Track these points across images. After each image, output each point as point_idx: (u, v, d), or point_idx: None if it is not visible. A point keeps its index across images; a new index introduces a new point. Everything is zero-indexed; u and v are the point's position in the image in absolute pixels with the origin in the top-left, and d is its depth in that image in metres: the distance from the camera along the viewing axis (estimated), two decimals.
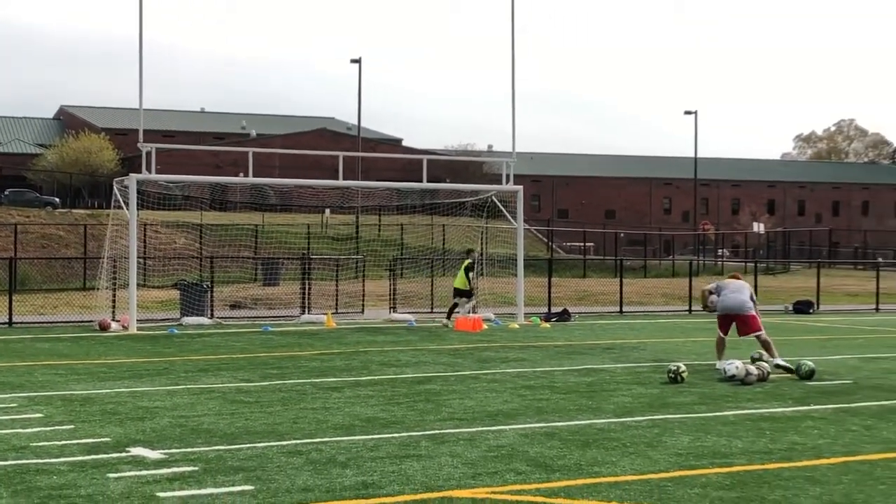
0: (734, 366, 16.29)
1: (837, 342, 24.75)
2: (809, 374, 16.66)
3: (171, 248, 48.35)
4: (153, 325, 27.92)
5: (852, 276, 60.69)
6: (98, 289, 29.78)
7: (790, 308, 37.92)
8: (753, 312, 18.12)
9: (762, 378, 16.18)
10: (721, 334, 18.44)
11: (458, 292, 29.19)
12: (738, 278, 19.10)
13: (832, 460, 10.26)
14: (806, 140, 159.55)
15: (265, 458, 10.03)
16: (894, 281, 46.79)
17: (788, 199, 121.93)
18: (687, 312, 36.08)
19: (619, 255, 62.71)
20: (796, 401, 14.28)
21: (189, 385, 15.57)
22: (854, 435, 11.69)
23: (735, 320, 18.14)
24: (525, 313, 31.17)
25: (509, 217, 32.88)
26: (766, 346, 18.05)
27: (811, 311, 37.55)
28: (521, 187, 32.34)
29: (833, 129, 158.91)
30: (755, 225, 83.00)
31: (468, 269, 29.12)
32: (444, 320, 28.94)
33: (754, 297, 18.53)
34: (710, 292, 18.65)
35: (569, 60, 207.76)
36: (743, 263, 63.84)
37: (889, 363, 19.63)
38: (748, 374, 16.06)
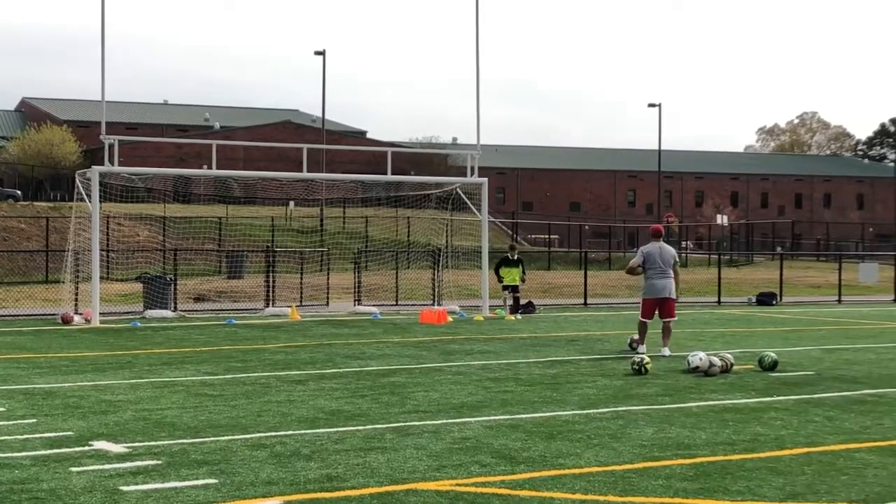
0: (698, 357, 16.36)
1: (800, 334, 24.92)
2: (772, 366, 16.76)
3: (134, 240, 48.05)
4: (116, 318, 27.76)
5: (814, 267, 61.12)
6: (62, 282, 29.58)
7: (753, 300, 38.18)
8: (675, 297, 19.22)
9: (725, 370, 16.26)
10: (644, 319, 19.05)
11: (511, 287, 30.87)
12: (661, 234, 19.66)
13: (795, 451, 10.31)
14: (769, 133, 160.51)
15: (229, 452, 9.98)
16: (854, 273, 47.13)
17: (751, 191, 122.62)
18: None
19: (584, 247, 62.80)
20: (759, 392, 14.36)
21: (152, 378, 15.48)
22: (816, 426, 11.76)
23: (660, 304, 18.87)
24: (490, 306, 31.21)
25: (474, 209, 32.89)
26: (667, 332, 19.11)
27: (774, 302, 37.81)
28: (485, 179, 32.35)
29: (796, 121, 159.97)
30: (719, 217, 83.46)
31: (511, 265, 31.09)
32: (516, 315, 30.09)
33: (677, 261, 19.70)
34: (638, 265, 19.43)
35: (533, 51, 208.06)
36: (707, 255, 64.18)
37: (851, 354, 19.78)
38: (712, 365, 16.13)
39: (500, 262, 31.41)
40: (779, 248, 76.87)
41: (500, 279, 30.93)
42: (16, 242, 47.11)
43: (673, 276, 19.15)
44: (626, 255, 64.96)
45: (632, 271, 19.96)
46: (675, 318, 19.45)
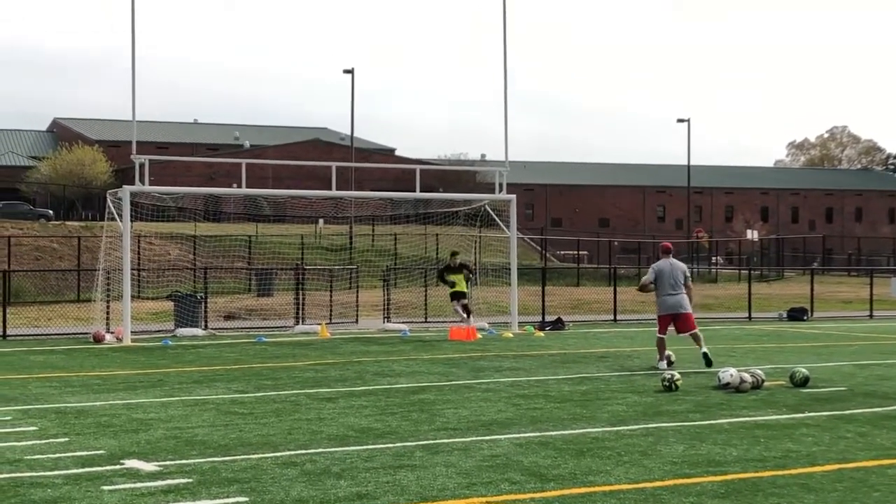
0: (728, 373, 16.29)
1: (832, 349, 24.76)
2: (803, 382, 16.67)
3: (164, 259, 48.32)
4: (147, 336, 27.87)
5: (846, 282, 60.73)
6: (94, 301, 29.75)
7: (784, 315, 37.95)
8: (690, 311, 19.42)
9: (756, 386, 16.18)
10: (661, 335, 19.17)
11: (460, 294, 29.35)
12: (671, 250, 19.85)
13: (827, 467, 10.26)
14: (799, 147, 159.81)
15: (259, 470, 10.02)
16: (886, 287, 46.77)
17: (782, 206, 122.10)
18: None
19: (613, 263, 62.76)
20: (791, 408, 14.29)
21: (183, 396, 15.55)
22: (848, 442, 11.69)
23: (674, 319, 18.95)
24: (519, 322, 31.16)
25: (503, 226, 32.88)
26: (696, 339, 19.33)
27: (805, 318, 37.57)
28: (514, 196, 32.32)
29: (826, 135, 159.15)
30: (749, 232, 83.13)
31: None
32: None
33: (688, 276, 19.76)
34: (650, 283, 19.64)
35: (561, 67, 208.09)
36: (737, 271, 63.91)
37: (883, 370, 19.63)
38: (742, 381, 16.05)
39: (444, 269, 29.74)
40: (815, 263, 76.44)
41: (450, 285, 29.25)
42: (48, 262, 47.48)
43: (685, 291, 19.35)
44: None
45: (644, 289, 20.30)
46: (697, 329, 19.53)
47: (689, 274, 19.99)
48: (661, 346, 19.38)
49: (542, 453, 10.90)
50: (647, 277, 19.81)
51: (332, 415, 13.58)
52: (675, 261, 19.80)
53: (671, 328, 19.64)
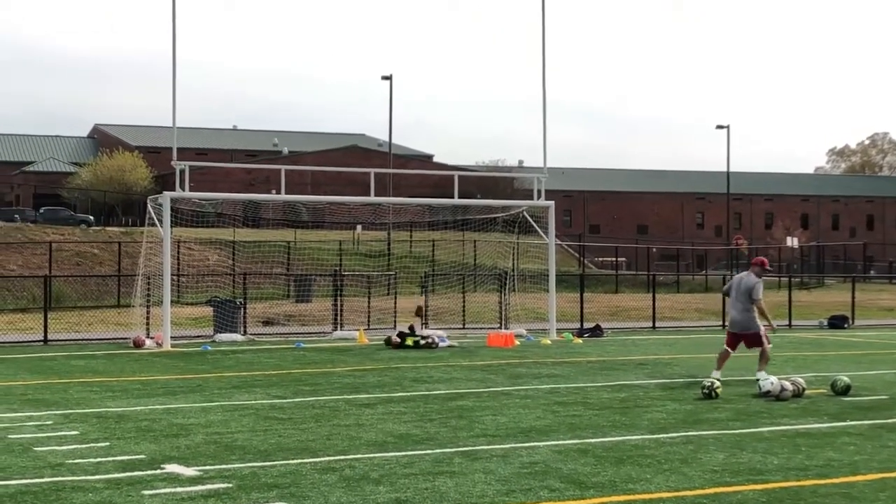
0: (769, 381, 16.19)
1: (873, 357, 24.56)
2: (845, 390, 16.53)
3: (204, 265, 48.58)
4: (187, 341, 28.03)
5: (887, 290, 60.24)
6: (133, 306, 29.93)
7: (825, 323, 37.68)
8: (754, 331, 18.16)
9: (797, 394, 16.07)
10: (725, 347, 18.33)
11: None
12: (753, 265, 18.46)
13: (869, 477, 10.17)
14: (840, 154, 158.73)
15: (299, 475, 10.04)
16: None
17: (822, 213, 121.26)
18: (720, 328, 35.86)
19: (652, 270, 62.40)
20: (832, 417, 14.17)
21: (223, 402, 15.61)
22: (891, 451, 11.59)
23: (741, 338, 18.35)
24: (557, 329, 31.10)
25: (541, 232, 32.83)
26: (760, 357, 18.13)
27: (846, 325, 37.29)
28: (552, 203, 32.28)
29: (867, 142, 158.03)
30: (789, 239, 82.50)
31: None
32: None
33: (753, 296, 17.97)
34: (724, 292, 20.05)
35: (600, 73, 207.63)
36: (777, 278, 63.48)
37: None
38: (783, 389, 15.95)
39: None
40: (871, 271, 75.82)
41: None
42: (88, 267, 47.86)
43: (752, 309, 18.08)
44: (695, 277, 64.49)
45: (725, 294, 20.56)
46: (762, 347, 18.50)
47: (754, 294, 18.02)
48: (721, 356, 18.44)
49: (582, 461, 10.87)
50: (726, 287, 19.81)
51: (370, 421, 13.60)
52: (746, 277, 18.32)
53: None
